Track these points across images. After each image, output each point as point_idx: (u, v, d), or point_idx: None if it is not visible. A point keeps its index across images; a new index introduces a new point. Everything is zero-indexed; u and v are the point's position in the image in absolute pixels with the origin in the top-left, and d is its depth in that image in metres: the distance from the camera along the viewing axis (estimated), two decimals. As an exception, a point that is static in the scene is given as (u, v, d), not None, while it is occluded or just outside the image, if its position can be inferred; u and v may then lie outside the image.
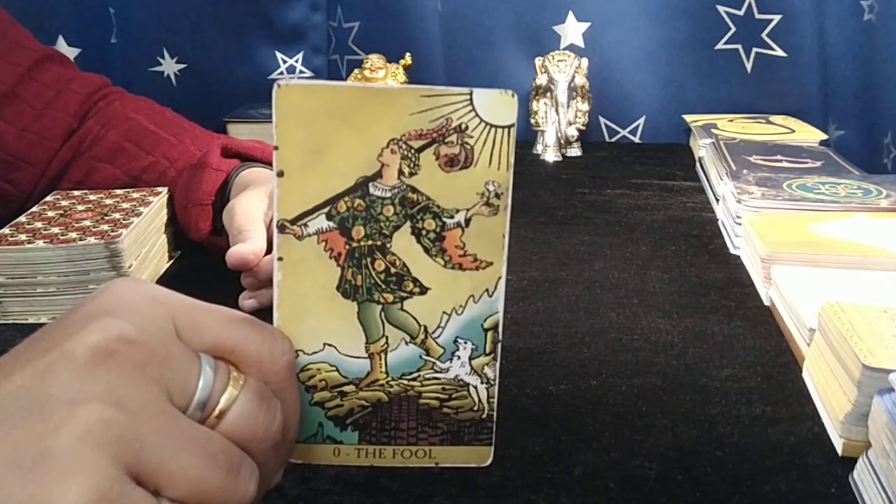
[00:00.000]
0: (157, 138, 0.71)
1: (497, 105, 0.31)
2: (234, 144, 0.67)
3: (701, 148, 0.95)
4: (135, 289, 0.29)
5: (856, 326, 0.43)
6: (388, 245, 0.32)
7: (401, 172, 0.31)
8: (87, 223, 0.59)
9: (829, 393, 0.43)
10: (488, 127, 0.31)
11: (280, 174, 0.31)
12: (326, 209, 0.31)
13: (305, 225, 0.31)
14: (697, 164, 0.96)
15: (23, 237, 0.56)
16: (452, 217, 0.32)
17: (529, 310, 0.58)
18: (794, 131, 0.99)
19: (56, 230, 0.57)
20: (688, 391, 0.47)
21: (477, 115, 0.31)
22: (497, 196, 0.32)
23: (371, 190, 0.31)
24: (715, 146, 0.89)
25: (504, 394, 0.46)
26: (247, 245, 0.55)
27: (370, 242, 0.32)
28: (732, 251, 0.69)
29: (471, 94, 0.30)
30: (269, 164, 0.67)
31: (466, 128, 0.31)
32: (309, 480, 0.39)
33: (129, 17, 1.11)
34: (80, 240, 0.56)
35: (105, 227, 0.58)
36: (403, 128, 0.30)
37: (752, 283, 0.62)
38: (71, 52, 1.05)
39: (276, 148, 0.30)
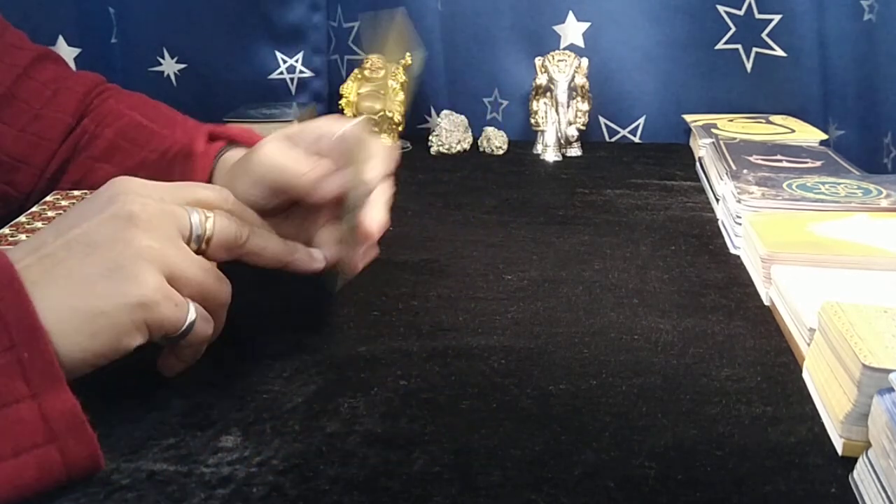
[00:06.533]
0: (149, 132, 0.70)
1: None
2: (220, 131, 0.67)
3: (701, 148, 0.95)
4: (130, 181, 0.44)
5: (856, 326, 0.43)
6: None
7: None
8: (88, 223, 0.59)
9: (829, 393, 0.43)
10: None
11: None
12: None
13: None
14: (697, 164, 0.96)
15: (23, 237, 0.56)
16: None
17: (529, 310, 0.58)
18: (794, 131, 0.99)
19: (56, 230, 0.57)
20: (688, 391, 0.47)
21: None
22: None
23: None
24: (715, 146, 0.89)
25: (504, 394, 0.47)
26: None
27: None
28: (732, 251, 0.69)
29: None
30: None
31: None
32: (309, 480, 0.39)
33: (129, 17, 1.11)
34: (81, 240, 0.55)
35: (105, 227, 0.58)
36: None
37: (752, 283, 0.62)
38: (71, 52, 1.05)
39: None
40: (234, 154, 0.64)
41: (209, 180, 0.63)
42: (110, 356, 0.40)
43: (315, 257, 0.52)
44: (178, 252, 0.42)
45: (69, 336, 0.38)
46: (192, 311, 0.43)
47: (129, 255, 0.40)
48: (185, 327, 0.42)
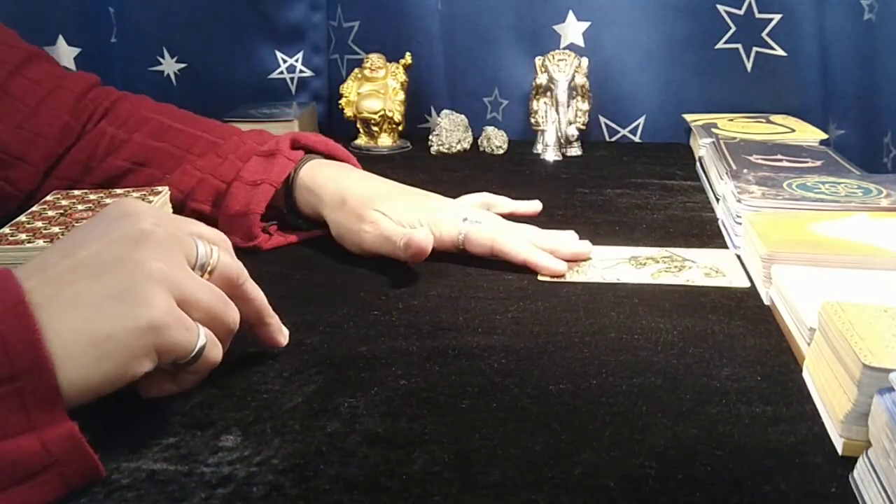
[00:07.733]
0: (187, 135, 0.73)
1: None
2: (302, 138, 0.72)
3: (701, 147, 0.95)
4: (136, 202, 0.44)
5: (856, 326, 0.43)
6: None
7: None
8: (88, 223, 0.59)
9: (830, 392, 0.43)
10: None
11: None
12: None
13: None
14: (697, 164, 0.96)
15: (23, 236, 0.56)
16: None
17: (529, 309, 0.58)
18: (794, 131, 0.99)
19: (56, 230, 0.57)
20: (688, 391, 0.47)
21: None
22: None
23: None
24: (715, 146, 0.89)
25: (504, 394, 0.47)
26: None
27: None
28: (732, 251, 0.69)
29: None
30: (331, 157, 0.72)
31: None
32: (309, 480, 0.39)
33: (129, 16, 1.11)
34: (81, 240, 0.55)
35: (105, 226, 0.58)
36: None
37: (752, 282, 0.62)
38: (71, 52, 1.05)
39: None
40: (318, 170, 0.69)
41: (286, 184, 0.69)
42: (116, 383, 0.38)
43: (285, 333, 0.51)
44: (188, 275, 0.42)
45: (74, 362, 0.37)
46: (203, 336, 0.41)
47: (140, 277, 0.39)
48: (195, 352, 0.41)
